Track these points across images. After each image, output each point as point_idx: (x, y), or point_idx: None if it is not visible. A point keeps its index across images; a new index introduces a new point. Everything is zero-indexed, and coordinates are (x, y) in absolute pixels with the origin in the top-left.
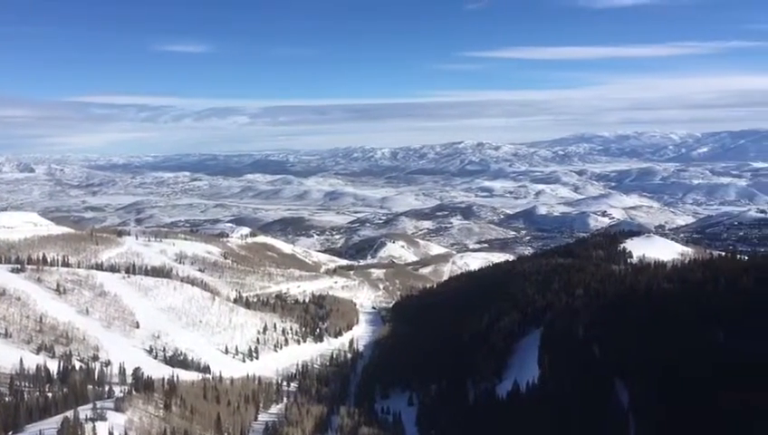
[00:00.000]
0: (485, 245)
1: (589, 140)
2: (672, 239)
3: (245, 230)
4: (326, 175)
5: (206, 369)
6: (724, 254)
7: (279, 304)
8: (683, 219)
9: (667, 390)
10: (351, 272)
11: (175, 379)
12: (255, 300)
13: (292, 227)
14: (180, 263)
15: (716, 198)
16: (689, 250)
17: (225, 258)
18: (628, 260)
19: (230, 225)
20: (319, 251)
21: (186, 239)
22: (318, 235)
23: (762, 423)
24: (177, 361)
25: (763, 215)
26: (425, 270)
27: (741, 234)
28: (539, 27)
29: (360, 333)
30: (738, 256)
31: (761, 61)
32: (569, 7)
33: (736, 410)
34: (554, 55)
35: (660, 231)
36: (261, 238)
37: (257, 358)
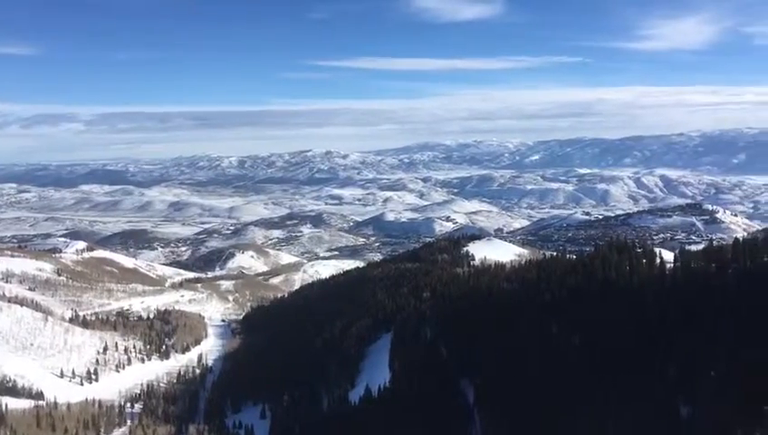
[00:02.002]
0: (336, 252)
1: (432, 149)
2: (510, 242)
3: (81, 245)
4: (170, 185)
5: (40, 395)
6: (555, 254)
7: (120, 322)
8: (519, 223)
9: (508, 384)
10: (199, 285)
11: (3, 408)
12: (94, 318)
13: (134, 240)
14: (7, 282)
15: (547, 202)
16: (525, 251)
17: (59, 275)
18: (471, 263)
19: (64, 239)
20: (164, 264)
21: (13, 256)
22: (162, 247)
23: (592, 409)
24: (4, 388)
25: (587, 217)
26: (276, 280)
27: (569, 235)
28: (384, 38)
29: (210, 348)
30: (567, 255)
31: (583, 75)
32: (413, 20)
33: (573, 398)
34: (400, 66)
35: (499, 234)
36: (99, 253)
37: (97, 380)
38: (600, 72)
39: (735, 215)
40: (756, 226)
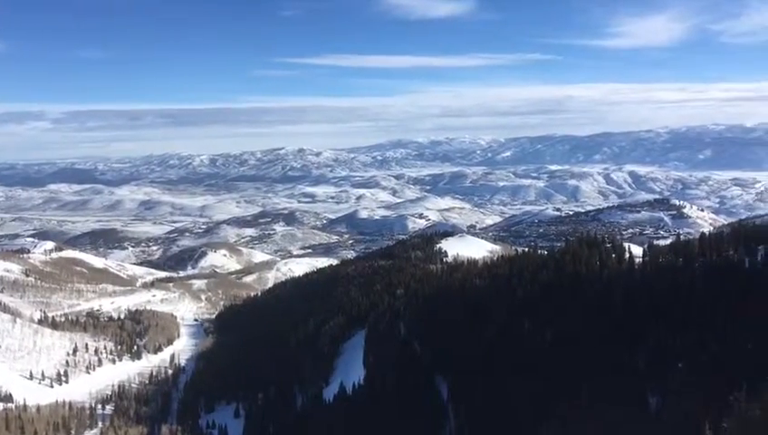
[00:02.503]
0: (309, 250)
1: (405, 146)
2: (482, 238)
3: (50, 245)
4: (140, 183)
5: (8, 398)
6: (527, 249)
7: (91, 323)
8: (491, 219)
9: (482, 380)
10: (171, 284)
11: None
12: (64, 319)
13: (104, 240)
14: None
15: (519, 198)
16: (497, 247)
17: (27, 276)
18: (444, 259)
19: (32, 239)
20: (134, 264)
21: None
22: (133, 247)
23: (564, 402)
24: None
25: (558, 213)
26: (249, 278)
27: (540, 231)
28: (356, 36)
29: (182, 348)
30: (538, 250)
31: (554, 72)
32: (385, 18)
33: (545, 392)
34: (372, 63)
35: (472, 231)
36: (68, 253)
37: (67, 382)
38: (570, 69)
39: (702, 210)
40: (722, 220)
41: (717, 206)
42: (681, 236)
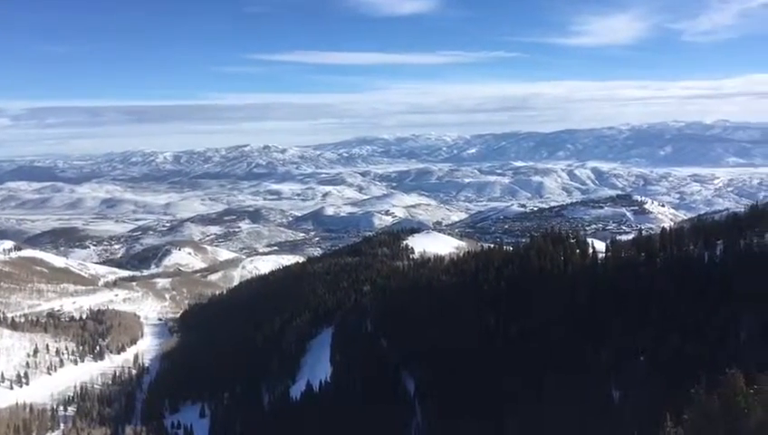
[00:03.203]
0: (276, 247)
1: (371, 143)
2: (448, 234)
3: (8, 244)
4: (102, 181)
5: None
6: (492, 245)
7: (52, 323)
8: (457, 215)
9: (449, 375)
10: (134, 283)
11: None
12: (23, 320)
13: (65, 239)
14: None
15: (485, 194)
16: (464, 244)
17: None
18: (411, 256)
19: None
20: (96, 263)
21: None
22: (95, 245)
23: (530, 395)
24: None
25: (523, 209)
26: (214, 277)
27: (506, 227)
28: (322, 32)
29: (146, 347)
30: (504, 246)
31: (519, 70)
32: (351, 14)
33: (511, 385)
34: (338, 60)
35: (438, 227)
36: (27, 252)
37: (28, 383)
38: (535, 67)
39: (663, 205)
40: (682, 215)
41: (677, 201)
42: (643, 232)
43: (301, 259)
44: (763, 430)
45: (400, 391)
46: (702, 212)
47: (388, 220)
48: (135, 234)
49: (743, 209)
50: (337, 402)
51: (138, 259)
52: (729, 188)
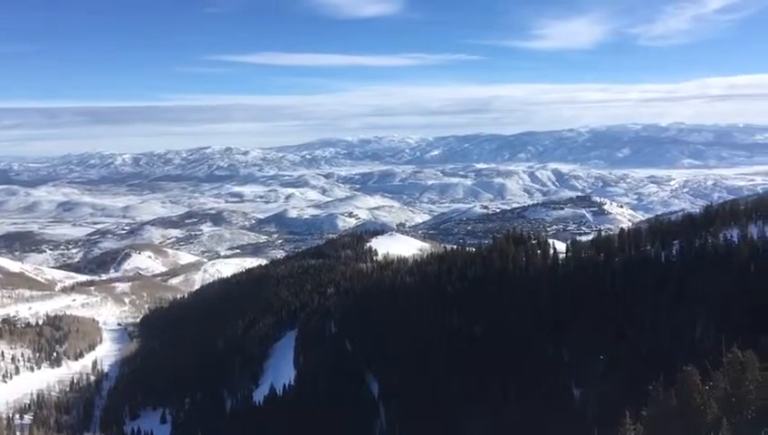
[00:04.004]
0: (238, 250)
1: (334, 145)
2: (412, 236)
3: None
4: (59, 184)
5: None
6: (455, 247)
7: (7, 329)
8: (420, 217)
9: (413, 376)
10: (93, 288)
11: None
12: None
13: (20, 243)
14: None
15: (448, 196)
16: (427, 245)
17: None
18: (374, 258)
19: None
20: (53, 267)
21: None
22: (51, 250)
23: (493, 395)
24: None
25: (485, 210)
26: (175, 280)
27: (469, 228)
28: (285, 34)
29: (105, 353)
30: (467, 248)
31: (481, 72)
32: (314, 16)
33: (474, 386)
34: (300, 61)
35: (401, 229)
36: None
37: None
38: (496, 70)
39: (621, 206)
40: (640, 216)
41: (635, 202)
42: (602, 232)
43: (264, 262)
44: (719, 426)
45: (364, 393)
46: (659, 213)
47: (352, 222)
48: (93, 237)
49: (697, 210)
50: (300, 405)
51: (96, 263)
52: (685, 190)
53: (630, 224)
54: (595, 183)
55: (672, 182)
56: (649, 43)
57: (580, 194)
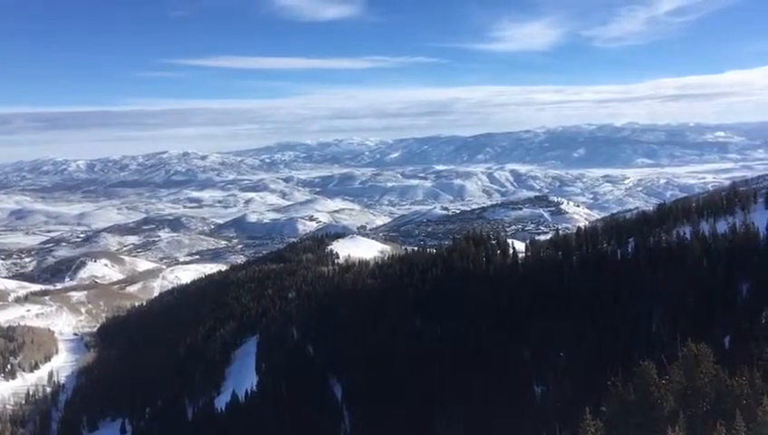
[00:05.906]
0: (197, 256)
1: (293, 148)
2: (373, 238)
3: None
4: (10, 191)
5: None
6: (416, 249)
7: None
8: (381, 219)
9: (376, 379)
10: (47, 297)
11: None
12: None
13: None
14: None
15: (408, 198)
16: (388, 247)
17: None
18: (336, 261)
19: None
20: (6, 277)
21: None
22: (3, 259)
23: (455, 395)
24: None
25: (445, 212)
26: (132, 288)
27: (429, 230)
28: (244, 37)
29: (61, 364)
30: (427, 249)
31: (440, 75)
32: (273, 19)
33: (437, 386)
34: (259, 65)
35: (362, 232)
36: None
37: None
38: (455, 72)
39: (578, 205)
40: (596, 215)
41: (591, 201)
42: (560, 232)
43: (223, 267)
44: (676, 418)
45: (327, 397)
46: (614, 211)
47: (313, 226)
48: (47, 246)
49: (651, 208)
50: (263, 411)
51: (50, 272)
52: (639, 188)
53: (587, 223)
54: (552, 183)
55: (626, 181)
56: (604, 45)
57: (537, 194)
